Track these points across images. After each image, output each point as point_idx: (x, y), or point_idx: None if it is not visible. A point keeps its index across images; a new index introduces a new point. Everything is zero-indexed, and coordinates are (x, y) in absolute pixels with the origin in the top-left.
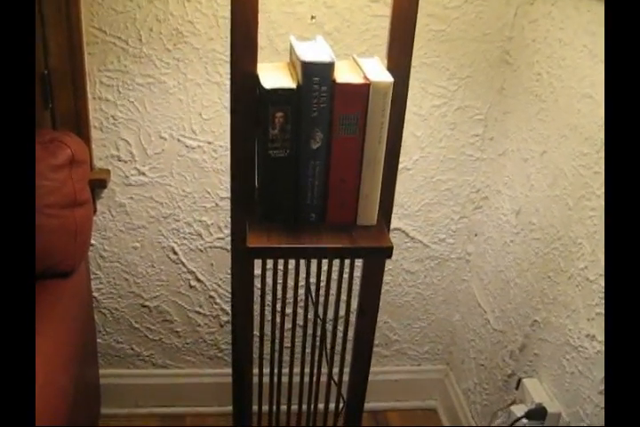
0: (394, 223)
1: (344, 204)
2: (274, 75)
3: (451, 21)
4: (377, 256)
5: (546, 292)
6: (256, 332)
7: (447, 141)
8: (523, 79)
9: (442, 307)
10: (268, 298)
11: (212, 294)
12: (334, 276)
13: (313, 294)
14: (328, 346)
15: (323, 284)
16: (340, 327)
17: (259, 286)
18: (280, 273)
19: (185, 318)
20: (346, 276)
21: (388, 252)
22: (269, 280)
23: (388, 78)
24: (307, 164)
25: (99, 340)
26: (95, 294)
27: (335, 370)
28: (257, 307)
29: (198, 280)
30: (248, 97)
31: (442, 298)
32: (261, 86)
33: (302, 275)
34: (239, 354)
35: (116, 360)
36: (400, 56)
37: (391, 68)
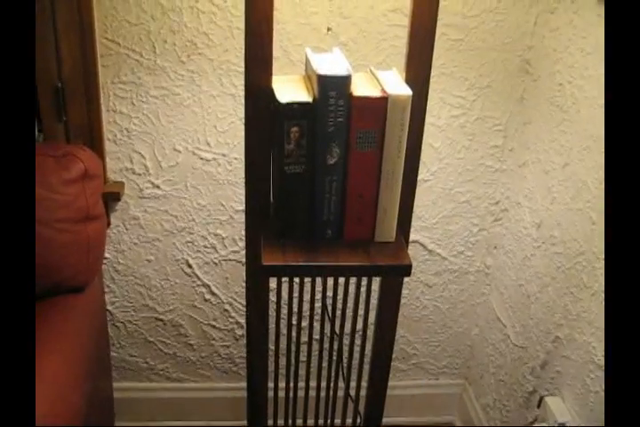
0: (411, 236)
1: (361, 220)
2: (289, 88)
3: (469, 31)
4: (395, 275)
5: (568, 308)
6: (271, 346)
7: (466, 152)
8: (543, 89)
9: (460, 321)
10: (284, 311)
11: (227, 307)
12: (351, 289)
13: (329, 309)
14: (345, 360)
15: (339, 296)
16: (358, 341)
17: (274, 299)
18: (295, 287)
19: (199, 331)
20: (363, 289)
21: (406, 270)
22: (285, 293)
23: (406, 91)
24: (323, 179)
25: (113, 353)
26: (109, 308)
27: (352, 383)
28: (272, 320)
29: (213, 294)
30: (263, 111)
31: (460, 312)
32: (276, 100)
33: (318, 288)
34: (254, 368)
35: (129, 374)
36: (419, 67)
37: (409, 79)
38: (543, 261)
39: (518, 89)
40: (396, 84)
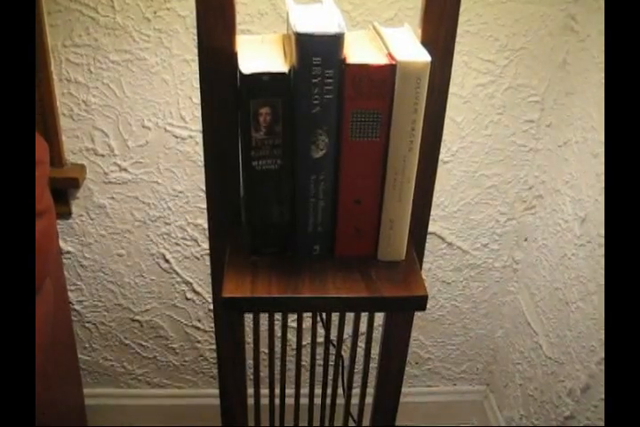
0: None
1: (360, 232)
2: (259, 53)
3: None
4: (405, 309)
5: None
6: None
7: (494, 128)
8: (593, 52)
9: (483, 322)
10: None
11: (212, 306)
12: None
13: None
14: (346, 363)
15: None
16: (361, 343)
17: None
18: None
19: (182, 333)
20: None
21: (420, 303)
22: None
23: (422, 57)
24: (307, 179)
25: (84, 357)
26: (77, 307)
27: (355, 390)
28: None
29: (195, 292)
30: (223, 85)
31: (483, 312)
32: (239, 70)
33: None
34: (225, 375)
35: (104, 379)
36: (440, 23)
37: (427, 40)
38: (587, 263)
39: (560, 51)
40: (408, 47)
